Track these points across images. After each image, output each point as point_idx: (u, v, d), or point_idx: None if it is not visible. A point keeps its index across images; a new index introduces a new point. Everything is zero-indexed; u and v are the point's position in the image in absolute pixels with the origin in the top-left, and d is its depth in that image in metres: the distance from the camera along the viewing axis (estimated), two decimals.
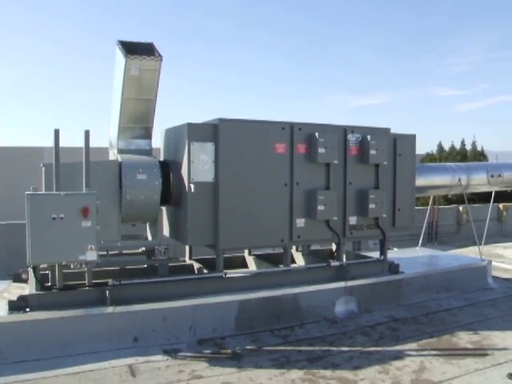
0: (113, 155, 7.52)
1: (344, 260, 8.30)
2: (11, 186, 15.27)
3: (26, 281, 7.17)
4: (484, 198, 18.15)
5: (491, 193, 12.85)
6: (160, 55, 7.04)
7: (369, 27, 59.48)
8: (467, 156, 26.22)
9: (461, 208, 17.75)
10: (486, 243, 12.44)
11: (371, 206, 8.06)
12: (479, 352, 6.37)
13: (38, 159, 8.30)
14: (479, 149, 27.63)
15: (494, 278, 10.01)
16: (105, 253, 7.09)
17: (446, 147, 28.13)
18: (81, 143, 6.34)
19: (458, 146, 28.11)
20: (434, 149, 27.92)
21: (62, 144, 6.29)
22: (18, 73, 50.21)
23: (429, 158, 25.43)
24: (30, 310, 6.06)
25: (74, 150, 7.36)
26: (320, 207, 7.58)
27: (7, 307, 6.05)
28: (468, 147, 28.04)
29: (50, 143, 6.28)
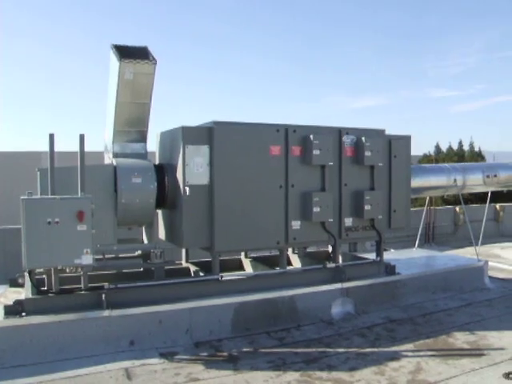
0: (108, 159, 7.54)
1: (340, 261, 8.32)
2: (10, 191, 15.28)
3: (22, 285, 7.17)
4: (481, 198, 18.20)
5: (488, 193, 12.91)
6: (154, 59, 7.05)
7: (366, 29, 59.53)
8: (464, 157, 26.25)
9: (457, 209, 17.79)
10: (483, 244, 12.49)
11: (367, 207, 8.07)
12: (475, 352, 6.38)
13: (35, 164, 8.29)
14: (477, 149, 27.68)
15: (491, 278, 10.03)
16: (101, 256, 7.12)
17: (444, 148, 28.21)
18: (76, 147, 6.35)
19: (455, 146, 28.18)
20: (431, 150, 28.00)
21: (57, 148, 6.28)
22: (16, 77, 50.19)
23: (426, 159, 25.43)
24: (26, 315, 6.06)
25: (70, 154, 7.37)
26: (315, 209, 7.59)
27: (3, 312, 6.05)
28: (466, 148, 28.10)
29: (46, 147, 6.29)
